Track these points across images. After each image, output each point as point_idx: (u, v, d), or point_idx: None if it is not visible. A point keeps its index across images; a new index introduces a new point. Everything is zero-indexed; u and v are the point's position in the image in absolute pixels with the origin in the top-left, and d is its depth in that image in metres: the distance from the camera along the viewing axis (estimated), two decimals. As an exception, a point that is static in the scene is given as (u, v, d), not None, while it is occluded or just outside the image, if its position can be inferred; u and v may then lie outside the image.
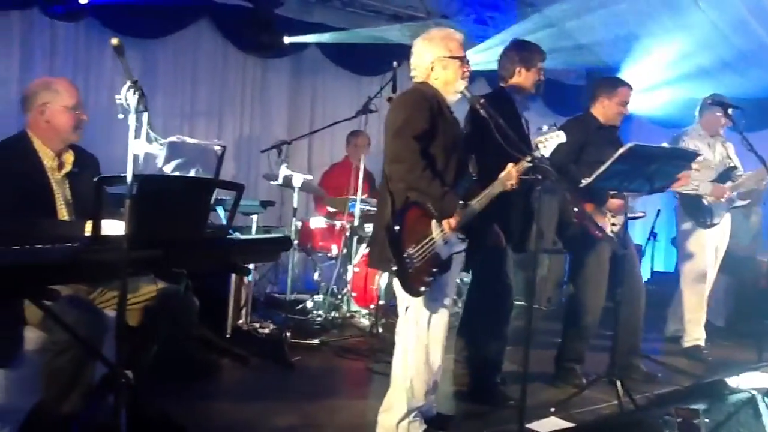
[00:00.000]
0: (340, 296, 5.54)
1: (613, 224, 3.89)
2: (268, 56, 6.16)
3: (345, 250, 5.47)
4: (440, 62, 2.96)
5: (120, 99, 2.07)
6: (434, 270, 2.82)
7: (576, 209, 3.72)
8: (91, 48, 5.22)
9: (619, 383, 3.55)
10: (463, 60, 2.99)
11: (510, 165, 2.93)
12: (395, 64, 4.91)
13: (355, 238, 5.31)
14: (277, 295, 5.71)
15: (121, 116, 2.09)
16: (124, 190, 2.06)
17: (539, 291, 6.95)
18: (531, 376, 3.91)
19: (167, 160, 2.23)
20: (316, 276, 5.73)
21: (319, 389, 3.87)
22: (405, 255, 2.75)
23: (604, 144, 3.83)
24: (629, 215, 3.98)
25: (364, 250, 5.41)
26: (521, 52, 3.66)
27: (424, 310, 2.90)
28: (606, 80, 4.15)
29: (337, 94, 6.71)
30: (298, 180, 4.52)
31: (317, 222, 5.55)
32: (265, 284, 5.77)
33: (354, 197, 5.25)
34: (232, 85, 6.12)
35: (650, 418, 2.84)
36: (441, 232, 2.83)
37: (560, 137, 2.96)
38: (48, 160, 2.86)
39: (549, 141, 2.96)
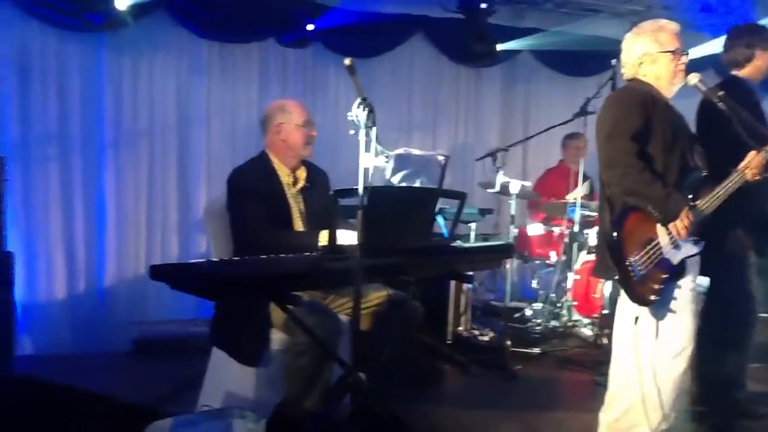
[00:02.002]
0: (560, 304, 5.38)
1: None
2: (481, 65, 6.18)
3: (564, 257, 5.31)
4: (649, 57, 2.72)
5: (351, 116, 2.19)
6: (664, 276, 2.60)
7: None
8: (317, 70, 5.60)
9: None
10: (677, 53, 2.72)
11: (752, 153, 2.65)
12: (613, 62, 4.68)
13: (574, 245, 5.12)
14: (494, 303, 5.68)
15: (352, 132, 2.21)
16: (353, 202, 2.17)
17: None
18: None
19: (394, 172, 2.32)
20: (534, 284, 5.62)
21: (542, 400, 3.79)
22: (627, 262, 2.57)
23: None
24: None
25: (584, 256, 5.21)
26: (755, 34, 3.30)
27: (654, 319, 2.68)
28: None
29: (552, 97, 6.52)
30: (515, 187, 4.47)
31: (535, 229, 5.44)
32: (483, 291, 5.77)
33: (572, 202, 5.08)
34: (446, 96, 6.21)
35: None
36: (669, 235, 2.60)
37: None
38: (285, 176, 3.13)
39: None
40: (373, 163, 2.33)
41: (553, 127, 5.17)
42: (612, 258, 2.60)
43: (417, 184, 2.39)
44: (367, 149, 2.19)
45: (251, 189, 2.99)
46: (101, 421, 3.14)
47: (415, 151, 2.45)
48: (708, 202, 2.64)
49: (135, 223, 5.01)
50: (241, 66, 5.31)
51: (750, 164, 2.64)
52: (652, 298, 2.60)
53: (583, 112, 4.80)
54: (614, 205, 2.70)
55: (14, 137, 4.58)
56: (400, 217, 2.27)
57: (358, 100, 2.18)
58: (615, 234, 2.59)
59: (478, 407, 3.63)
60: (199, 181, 5.21)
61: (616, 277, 2.62)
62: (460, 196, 2.45)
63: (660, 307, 2.66)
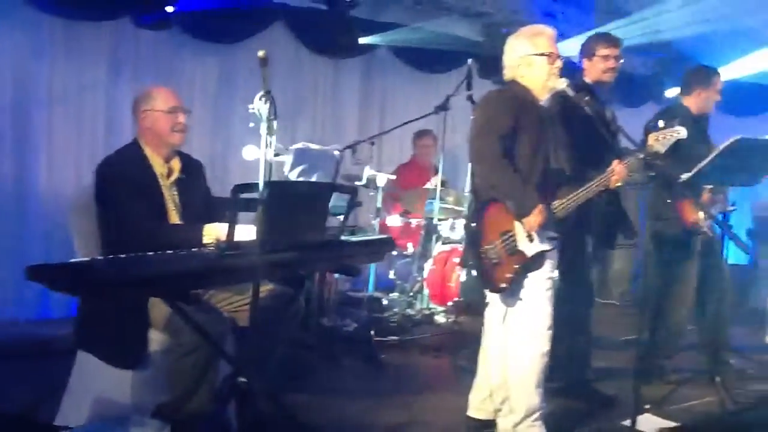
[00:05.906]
0: (412, 294, 5.55)
1: (706, 218, 3.82)
2: (340, 57, 6.20)
3: (420, 248, 5.49)
4: (526, 60, 2.91)
5: (253, 108, 2.13)
6: (517, 267, 2.81)
7: (669, 202, 3.68)
8: (175, 55, 5.32)
9: (718, 380, 3.51)
10: (551, 56, 2.92)
11: (615, 162, 2.91)
12: (469, 61, 4.92)
13: (434, 236, 5.32)
14: (351, 293, 5.74)
15: (252, 125, 2.16)
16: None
17: (612, 286, 6.92)
18: (619, 373, 3.92)
19: (293, 167, 2.29)
20: (391, 274, 5.76)
21: (413, 387, 3.89)
22: (482, 250, 2.80)
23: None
24: (720, 209, 3.92)
25: (441, 247, 5.42)
26: (584, 44, 3.67)
27: (505, 306, 2.92)
28: (701, 70, 3.99)
29: (408, 93, 6.71)
30: (382, 180, 4.56)
31: (393, 220, 5.58)
32: (342, 282, 5.81)
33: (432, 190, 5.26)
34: (305, 88, 6.17)
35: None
36: (524, 229, 2.81)
37: (680, 133, 2.88)
38: (158, 167, 2.96)
39: (666, 139, 2.89)
40: (257, 155, 2.28)
41: (411, 121, 5.27)
42: (470, 243, 2.83)
43: (314, 179, 2.38)
44: (266, 143, 2.15)
45: (123, 180, 2.79)
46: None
47: (313, 146, 2.44)
48: (564, 203, 2.88)
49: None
50: (88, 47, 4.91)
51: (614, 172, 2.90)
52: (503, 285, 2.82)
53: (443, 107, 4.95)
54: (480, 198, 2.92)
55: None
56: (298, 212, 2.24)
57: (261, 93, 2.13)
58: (474, 224, 2.83)
59: (349, 398, 3.63)
60: (39, 172, 4.77)
61: (470, 263, 2.84)
62: (352, 191, 2.48)
63: (512, 295, 2.88)
